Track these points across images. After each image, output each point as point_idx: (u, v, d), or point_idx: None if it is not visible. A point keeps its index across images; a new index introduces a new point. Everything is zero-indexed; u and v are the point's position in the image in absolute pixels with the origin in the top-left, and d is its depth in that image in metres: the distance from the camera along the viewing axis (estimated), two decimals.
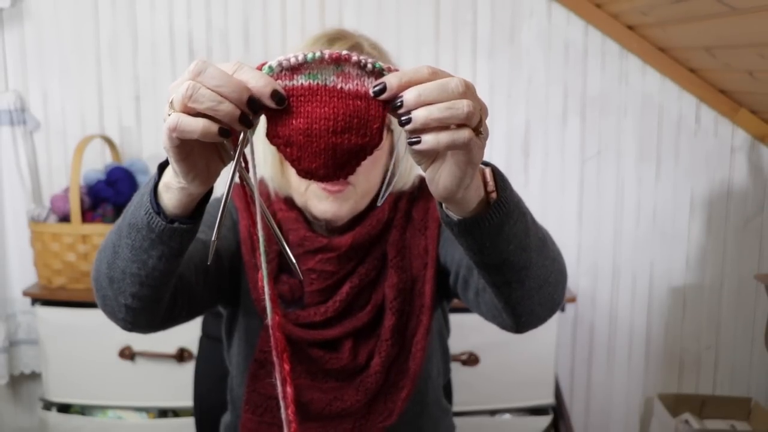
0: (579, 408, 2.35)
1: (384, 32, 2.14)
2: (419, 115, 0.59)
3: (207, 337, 1.41)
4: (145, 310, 0.85)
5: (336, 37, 1.04)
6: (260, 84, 0.59)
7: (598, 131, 2.23)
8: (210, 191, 0.72)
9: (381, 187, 1.11)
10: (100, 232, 1.93)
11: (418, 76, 0.60)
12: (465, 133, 0.59)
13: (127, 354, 1.93)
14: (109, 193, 1.99)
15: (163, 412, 2.01)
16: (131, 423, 1.98)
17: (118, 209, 2.01)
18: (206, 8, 2.17)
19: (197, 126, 0.59)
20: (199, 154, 0.64)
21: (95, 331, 1.93)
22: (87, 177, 2.04)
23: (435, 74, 0.60)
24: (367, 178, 1.04)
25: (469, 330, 1.86)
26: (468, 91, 0.60)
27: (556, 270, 0.85)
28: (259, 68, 0.61)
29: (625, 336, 2.32)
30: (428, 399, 1.14)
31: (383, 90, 0.60)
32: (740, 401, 2.24)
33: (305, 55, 0.60)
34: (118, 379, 1.96)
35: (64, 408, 2.02)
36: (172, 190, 0.69)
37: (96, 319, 1.93)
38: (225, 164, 0.67)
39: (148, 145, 2.23)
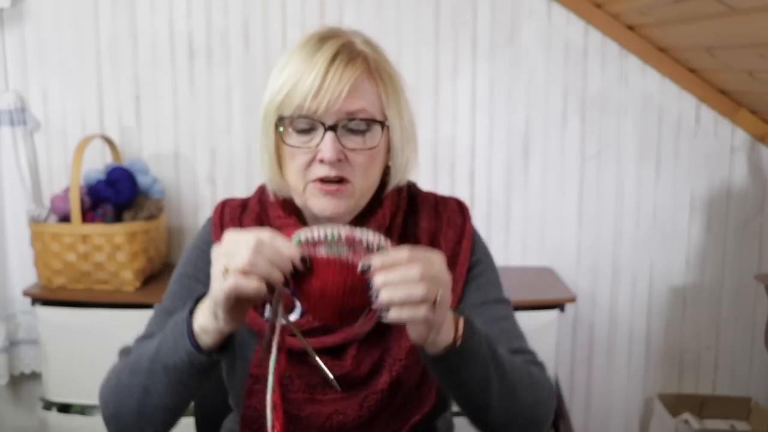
0: (579, 408, 2.35)
1: (384, 32, 2.14)
2: (383, 297, 0.76)
3: None
4: (171, 426, 0.97)
5: (327, 36, 1.01)
6: (293, 252, 0.79)
7: (598, 131, 2.23)
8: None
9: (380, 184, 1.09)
10: (100, 232, 1.93)
11: (396, 259, 0.77)
12: (421, 311, 0.76)
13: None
14: (109, 193, 1.99)
15: None
16: None
17: (119, 209, 2.01)
18: (206, 8, 2.17)
19: (253, 287, 0.77)
20: (240, 303, 0.80)
21: (95, 331, 1.93)
22: (87, 177, 2.04)
23: (411, 259, 0.76)
24: (365, 175, 0.99)
25: None
26: (425, 275, 0.76)
27: (527, 414, 0.94)
28: (288, 237, 0.80)
29: (625, 336, 2.32)
30: (438, 424, 1.10)
31: (368, 269, 0.78)
32: (740, 401, 2.24)
33: (326, 234, 0.79)
34: None
35: (64, 408, 2.02)
36: (210, 333, 0.85)
37: (96, 319, 1.95)
38: (253, 306, 0.93)
39: (148, 145, 2.23)
